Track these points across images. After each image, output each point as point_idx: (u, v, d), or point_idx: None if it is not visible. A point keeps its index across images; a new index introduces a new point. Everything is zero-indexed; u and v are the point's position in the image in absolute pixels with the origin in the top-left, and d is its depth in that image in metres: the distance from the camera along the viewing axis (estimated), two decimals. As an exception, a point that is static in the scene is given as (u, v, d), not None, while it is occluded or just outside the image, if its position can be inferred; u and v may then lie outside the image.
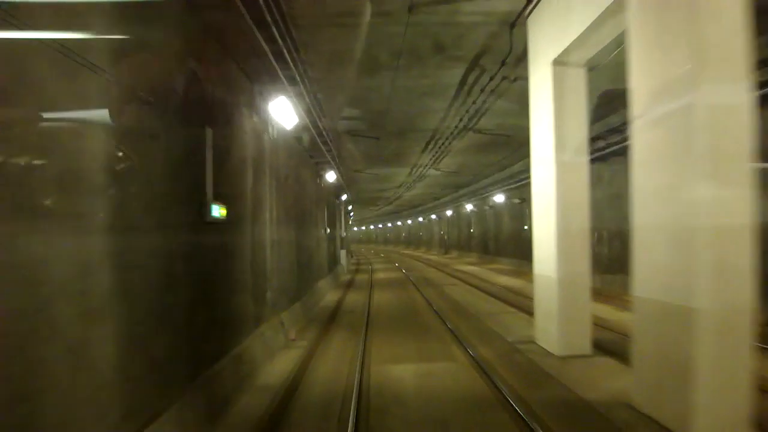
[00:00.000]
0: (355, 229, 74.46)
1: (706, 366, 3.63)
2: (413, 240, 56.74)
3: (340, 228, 22.87)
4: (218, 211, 4.54)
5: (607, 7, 4.84)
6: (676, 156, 3.87)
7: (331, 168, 13.69)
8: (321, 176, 14.20)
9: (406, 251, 50.28)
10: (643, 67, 4.29)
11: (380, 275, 21.01)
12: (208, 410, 4.23)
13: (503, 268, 23.00)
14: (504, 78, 9.61)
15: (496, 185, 24.13)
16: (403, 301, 12.71)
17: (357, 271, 24.25)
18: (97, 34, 2.88)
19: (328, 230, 16.96)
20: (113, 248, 3.01)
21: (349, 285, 17.17)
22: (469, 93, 11.03)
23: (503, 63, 8.63)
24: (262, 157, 7.00)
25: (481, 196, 27.85)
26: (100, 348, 2.85)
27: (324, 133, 10.63)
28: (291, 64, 6.34)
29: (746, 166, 3.64)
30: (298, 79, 7.02)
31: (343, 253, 22.15)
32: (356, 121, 13.46)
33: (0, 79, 2.20)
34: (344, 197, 23.28)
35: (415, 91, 11.06)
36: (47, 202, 2.47)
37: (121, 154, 3.20)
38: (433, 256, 37.56)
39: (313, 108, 8.72)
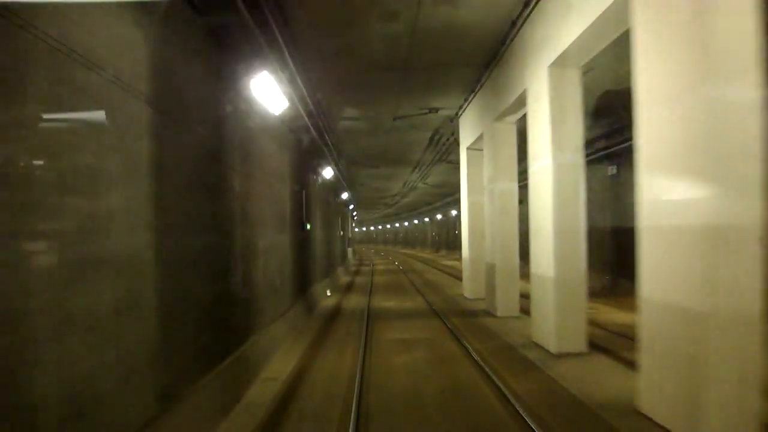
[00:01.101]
0: (356, 230, 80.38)
1: (500, 287, 9.61)
2: (409, 240, 62.75)
3: (348, 230, 28.90)
4: (308, 226, 10.54)
5: (481, 134, 10.85)
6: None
7: (345, 190, 19.71)
8: (338, 195, 20.23)
9: (403, 250, 56.29)
10: (488, 163, 10.29)
11: (379, 267, 27.06)
12: (306, 310, 10.21)
13: (477, 262, 28.94)
14: (455, 139, 15.62)
15: (471, 196, 30.05)
16: (394, 281, 18.73)
17: (361, 264, 30.30)
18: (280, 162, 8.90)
19: (342, 233, 23.00)
20: (287, 240, 9.01)
21: (356, 273, 23.20)
22: (436, 144, 17.05)
23: (452, 134, 14.68)
24: (316, 194, 13.03)
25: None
26: (287, 273, 8.87)
27: (343, 171, 16.68)
28: (328, 140, 12.35)
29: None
30: (333, 149, 13.05)
31: (350, 250, 28.18)
32: (362, 156, 19.49)
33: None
34: (351, 207, 29.29)
35: (401, 141, 17.06)
36: (277, 224, 8.49)
37: (289, 202, 9.21)
38: (425, 254, 43.54)
39: (339, 161, 14.77)
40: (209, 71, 4.97)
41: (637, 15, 4.25)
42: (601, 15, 4.93)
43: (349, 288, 16.24)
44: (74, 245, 2.60)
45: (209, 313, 4.65)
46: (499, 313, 9.56)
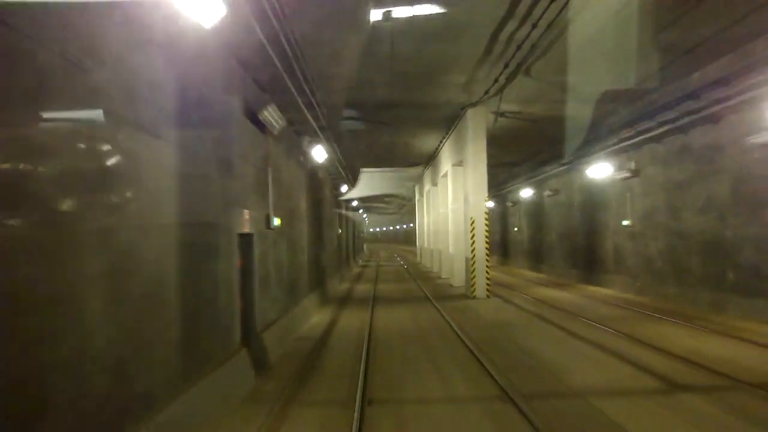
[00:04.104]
0: (365, 231, 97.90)
1: (426, 259, 27.28)
2: (406, 239, 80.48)
3: (362, 231, 46.66)
4: (356, 233, 28.07)
5: (417, 200, 28.52)
6: (442, 231, 27.65)
7: (365, 213, 37.45)
8: (362, 216, 37.97)
9: (401, 247, 74.02)
10: (426, 209, 28.04)
11: (382, 254, 44.83)
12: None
13: (444, 252, 46.79)
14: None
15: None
16: (391, 259, 36.47)
17: (371, 254, 48.09)
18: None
19: (362, 235, 40.79)
20: (351, 237, 26.66)
21: (369, 258, 40.97)
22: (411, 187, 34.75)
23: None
24: (353, 218, 30.76)
25: (437, 214, 51.52)
26: (351, 249, 26.57)
27: (360, 202, 34.50)
28: (350, 183, 29.99)
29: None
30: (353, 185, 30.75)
31: (365, 245, 45.97)
32: (373, 196, 37.21)
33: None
34: (365, 217, 47.05)
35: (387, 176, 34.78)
36: (351, 232, 26.17)
37: (352, 224, 26.85)
38: (415, 249, 61.29)
39: (362, 202, 32.68)
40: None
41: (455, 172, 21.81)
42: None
43: (369, 260, 34.01)
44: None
45: (338, 259, 22.32)
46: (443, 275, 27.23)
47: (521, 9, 7.45)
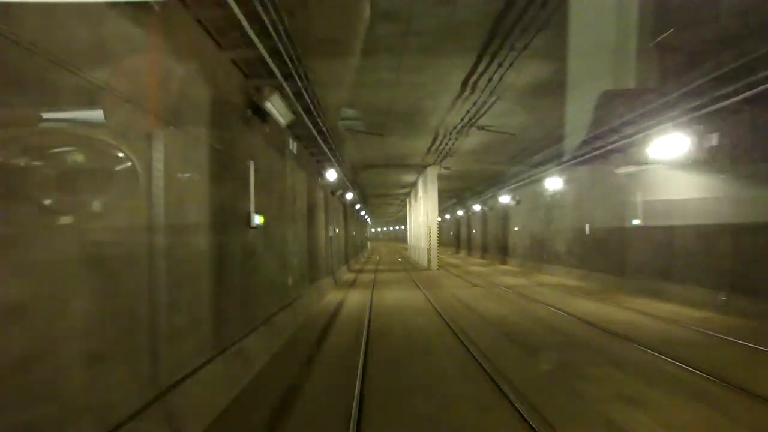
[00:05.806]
0: (368, 231, 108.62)
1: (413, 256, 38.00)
2: (404, 238, 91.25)
3: (366, 231, 57.41)
4: (365, 234, 38.63)
5: (408, 209, 39.25)
6: (419, 233, 38.39)
7: (368, 216, 48.15)
8: (366, 220, 48.65)
9: (399, 245, 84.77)
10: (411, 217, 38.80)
11: (383, 250, 55.51)
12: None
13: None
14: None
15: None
16: (389, 254, 47.13)
17: (373, 251, 58.76)
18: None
19: (367, 234, 51.52)
20: (360, 235, 37.31)
21: (372, 253, 51.63)
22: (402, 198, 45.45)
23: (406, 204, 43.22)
24: (362, 223, 41.46)
25: (428, 218, 62.27)
26: (360, 244, 37.24)
27: (366, 210, 45.23)
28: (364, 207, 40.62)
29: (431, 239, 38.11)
30: (368, 210, 41.39)
31: (369, 243, 56.77)
32: (375, 205, 47.87)
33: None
34: (367, 218, 57.82)
35: (390, 198, 45.47)
36: (360, 232, 36.87)
37: (358, 230, 37.52)
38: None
39: (367, 211, 43.47)
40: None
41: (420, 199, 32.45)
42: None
43: (372, 254, 44.76)
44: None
45: (354, 250, 32.99)
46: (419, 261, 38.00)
47: (438, 140, 18.03)
